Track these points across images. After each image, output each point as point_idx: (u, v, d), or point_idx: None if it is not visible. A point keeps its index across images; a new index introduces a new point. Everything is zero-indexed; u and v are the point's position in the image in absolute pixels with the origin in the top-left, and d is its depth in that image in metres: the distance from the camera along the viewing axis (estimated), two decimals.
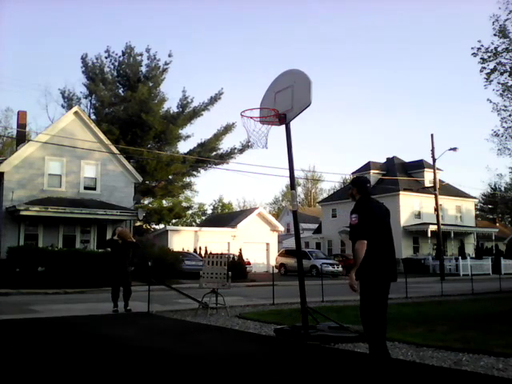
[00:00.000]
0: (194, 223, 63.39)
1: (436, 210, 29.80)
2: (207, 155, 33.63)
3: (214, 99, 34.84)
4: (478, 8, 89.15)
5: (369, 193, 5.37)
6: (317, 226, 49.60)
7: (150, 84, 34.62)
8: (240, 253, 27.43)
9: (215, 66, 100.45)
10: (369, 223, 4.98)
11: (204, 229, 35.94)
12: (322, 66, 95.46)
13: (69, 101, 34.54)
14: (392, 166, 42.59)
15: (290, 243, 42.85)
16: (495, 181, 69.81)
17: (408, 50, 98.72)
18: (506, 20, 15.79)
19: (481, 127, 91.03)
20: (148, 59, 35.25)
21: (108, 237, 22.21)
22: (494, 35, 16.03)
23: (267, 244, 37.16)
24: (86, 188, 24.09)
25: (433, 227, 34.89)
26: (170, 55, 35.46)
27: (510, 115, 17.25)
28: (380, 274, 4.96)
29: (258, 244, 35.83)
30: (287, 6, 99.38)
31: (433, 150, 29.63)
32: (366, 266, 4.94)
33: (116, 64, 35.47)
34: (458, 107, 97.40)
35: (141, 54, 35.13)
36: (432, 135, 29.59)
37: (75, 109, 24.88)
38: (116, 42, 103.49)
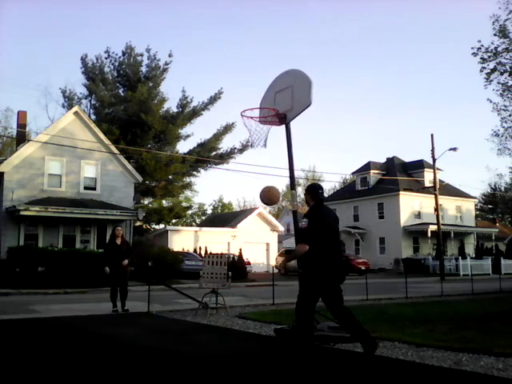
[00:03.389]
0: (193, 223, 63.38)
1: (436, 209, 29.79)
2: (207, 155, 33.65)
3: (213, 99, 34.88)
4: (478, 8, 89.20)
5: (321, 199, 5.72)
6: None
7: (150, 84, 34.63)
8: (240, 253, 27.44)
9: (215, 66, 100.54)
10: (318, 229, 5.36)
11: (204, 229, 35.94)
12: (322, 66, 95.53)
13: (69, 100, 34.58)
14: (392, 166, 42.59)
15: (290, 243, 42.84)
16: (495, 181, 69.90)
17: (408, 50, 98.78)
18: (506, 20, 15.80)
19: (481, 127, 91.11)
20: (148, 59, 35.32)
21: (108, 237, 22.22)
22: (494, 35, 16.04)
23: (267, 244, 37.17)
24: (86, 188, 24.08)
25: (433, 227, 34.89)
26: (170, 55, 35.56)
27: (510, 115, 17.27)
28: (328, 277, 5.40)
29: (257, 244, 35.83)
30: (287, 6, 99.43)
31: (433, 150, 29.64)
32: (315, 268, 5.37)
33: (116, 64, 35.51)
34: (458, 107, 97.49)
35: (141, 54, 35.19)
36: (432, 135, 29.64)
37: (75, 109, 24.88)
38: (116, 42, 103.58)
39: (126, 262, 10.37)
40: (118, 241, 10.47)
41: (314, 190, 5.77)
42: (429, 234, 36.61)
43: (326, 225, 5.44)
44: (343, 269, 5.63)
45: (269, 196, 6.97)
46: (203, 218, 63.69)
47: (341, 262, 5.57)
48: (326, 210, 5.70)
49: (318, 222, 5.38)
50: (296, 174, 8.43)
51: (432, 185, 32.05)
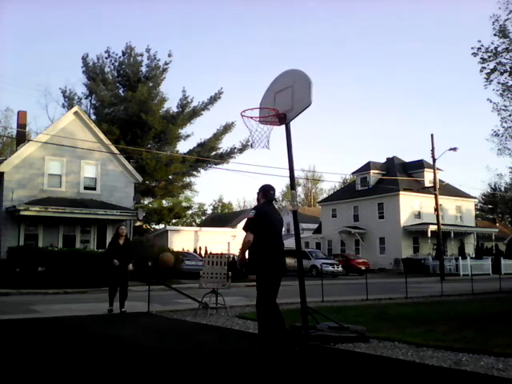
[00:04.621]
0: (193, 223, 63.37)
1: (436, 209, 29.77)
2: (207, 155, 33.64)
3: (213, 99, 34.88)
4: (478, 8, 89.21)
5: (271, 199, 6.28)
6: (317, 226, 49.60)
7: (150, 84, 34.63)
8: None
9: (215, 66, 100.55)
10: (263, 223, 5.90)
11: (204, 229, 35.92)
12: (322, 66, 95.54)
13: (69, 100, 34.57)
14: (392, 166, 42.57)
15: (290, 243, 42.81)
16: (495, 181, 69.90)
17: (408, 50, 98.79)
18: (506, 20, 15.83)
19: (481, 127, 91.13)
20: (148, 59, 35.33)
21: (108, 237, 22.22)
22: (494, 35, 16.06)
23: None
24: (86, 188, 24.08)
25: (433, 227, 34.88)
26: (169, 55, 35.59)
27: (510, 115, 17.29)
28: (271, 268, 5.93)
29: None
30: (287, 6, 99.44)
31: (433, 150, 29.63)
32: (259, 261, 5.90)
33: (116, 64, 35.52)
34: (458, 107, 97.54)
35: (141, 54, 35.19)
36: (432, 135, 29.61)
37: (75, 109, 24.89)
38: (116, 42, 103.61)
39: (130, 266, 10.34)
40: (121, 240, 10.41)
41: (266, 190, 6.29)
42: (429, 234, 36.59)
43: (269, 221, 5.99)
44: (282, 263, 6.26)
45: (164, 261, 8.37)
46: (203, 217, 63.70)
47: (281, 256, 6.22)
48: (272, 208, 6.26)
49: (262, 217, 5.91)
50: (296, 174, 8.44)
51: (432, 185, 32.03)
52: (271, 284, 5.91)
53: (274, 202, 6.46)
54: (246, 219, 6.17)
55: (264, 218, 5.92)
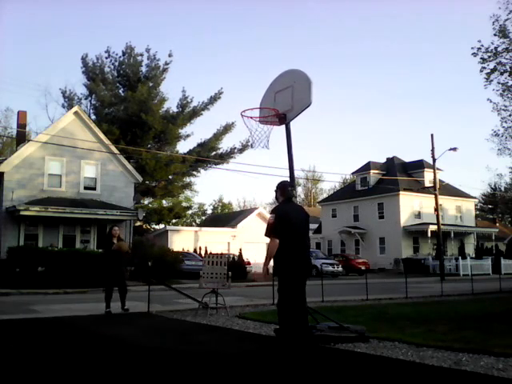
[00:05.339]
0: (193, 223, 63.29)
1: (436, 209, 29.78)
2: (207, 155, 33.66)
3: (213, 99, 34.90)
4: (478, 8, 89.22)
5: (289, 196, 5.97)
6: (317, 226, 49.58)
7: (150, 84, 34.65)
8: (240, 253, 27.43)
9: (215, 66, 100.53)
10: (282, 224, 5.57)
11: (204, 229, 35.92)
12: (322, 66, 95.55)
13: (69, 100, 34.59)
14: (392, 166, 42.57)
15: None
16: (495, 181, 69.90)
17: (408, 50, 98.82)
18: (506, 20, 15.85)
19: (481, 127, 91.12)
20: (148, 59, 35.35)
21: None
22: (494, 35, 16.08)
23: (267, 244, 37.04)
24: (86, 188, 24.09)
25: (433, 227, 34.88)
26: (170, 55, 35.62)
27: (510, 115, 17.30)
28: (292, 271, 5.56)
29: (257, 244, 35.73)
30: (287, 7, 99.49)
31: (433, 150, 29.64)
32: (280, 263, 5.60)
33: (116, 64, 35.54)
34: (458, 107, 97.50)
35: (141, 54, 35.22)
36: (432, 135, 29.64)
37: (75, 109, 24.90)
38: (116, 42, 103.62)
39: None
40: (115, 241, 10.41)
41: (284, 187, 6.00)
42: (429, 234, 36.59)
43: (290, 221, 5.65)
44: (306, 265, 5.84)
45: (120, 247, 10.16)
46: (203, 217, 63.60)
47: (304, 257, 5.77)
48: (292, 206, 5.93)
49: (282, 218, 5.62)
50: (296, 174, 8.44)
51: (432, 185, 32.04)
52: (291, 287, 5.57)
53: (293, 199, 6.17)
54: (266, 224, 5.86)
55: (283, 219, 5.64)
